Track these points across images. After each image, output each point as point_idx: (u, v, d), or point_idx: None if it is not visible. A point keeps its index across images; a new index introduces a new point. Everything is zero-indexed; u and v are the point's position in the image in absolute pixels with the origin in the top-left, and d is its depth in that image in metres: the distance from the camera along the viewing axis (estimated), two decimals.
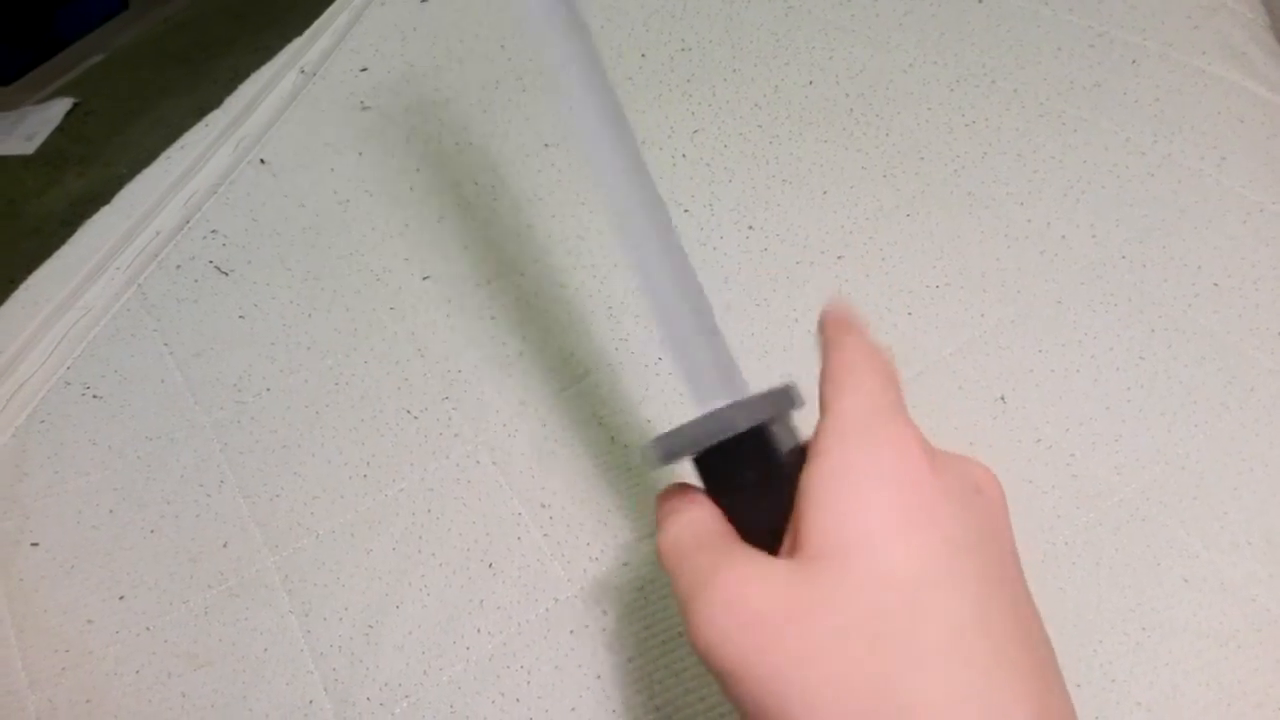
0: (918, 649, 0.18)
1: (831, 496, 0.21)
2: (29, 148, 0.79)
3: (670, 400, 0.47)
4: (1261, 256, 0.49)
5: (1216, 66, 0.57)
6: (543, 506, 0.44)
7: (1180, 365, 0.45)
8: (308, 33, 0.70)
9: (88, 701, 0.41)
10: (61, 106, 0.82)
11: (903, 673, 0.18)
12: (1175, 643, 0.38)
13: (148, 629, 0.43)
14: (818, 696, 0.18)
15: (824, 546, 0.20)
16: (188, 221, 0.58)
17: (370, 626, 0.42)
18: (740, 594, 0.21)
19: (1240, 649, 0.38)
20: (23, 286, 0.56)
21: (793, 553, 0.21)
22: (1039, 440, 0.44)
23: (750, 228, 0.54)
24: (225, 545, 0.45)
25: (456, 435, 0.47)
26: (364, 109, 0.63)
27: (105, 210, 0.59)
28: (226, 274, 0.55)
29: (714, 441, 0.25)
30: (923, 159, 0.55)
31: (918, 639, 0.18)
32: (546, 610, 0.41)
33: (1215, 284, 0.48)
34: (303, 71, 0.66)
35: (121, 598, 0.44)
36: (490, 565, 0.43)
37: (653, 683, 0.39)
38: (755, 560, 0.22)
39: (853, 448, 0.21)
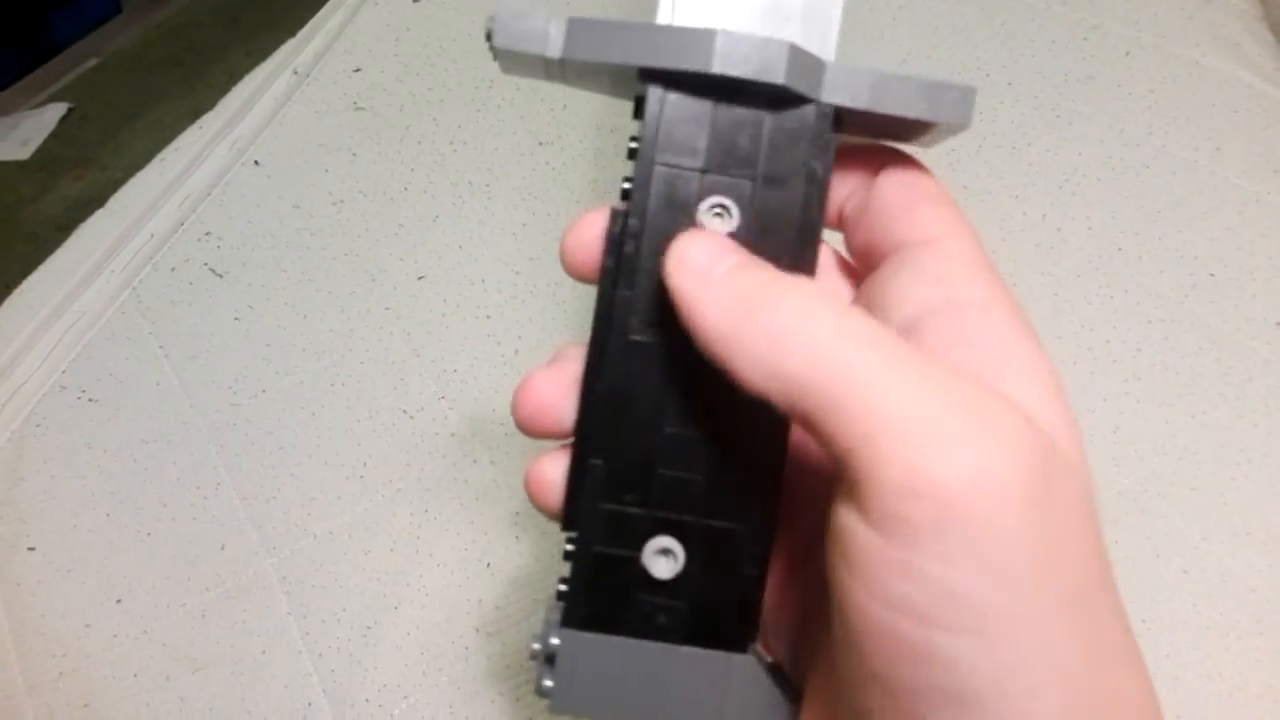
0: None
1: None
2: (24, 153, 0.79)
3: None
4: (1258, 247, 0.48)
5: (1210, 57, 0.57)
6: None
7: (1177, 356, 0.45)
8: (301, 34, 0.69)
9: (85, 706, 0.41)
10: (56, 112, 0.82)
11: None
12: (1176, 634, 0.38)
13: (145, 632, 0.42)
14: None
15: None
16: (182, 224, 0.58)
17: (369, 627, 0.42)
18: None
19: (1240, 640, 0.38)
20: (17, 291, 0.56)
21: None
22: None
23: None
24: (222, 547, 0.45)
25: (453, 435, 0.47)
26: (358, 109, 0.63)
27: (99, 214, 0.59)
28: (221, 276, 0.55)
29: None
30: (916, 153, 0.55)
31: None
32: (545, 609, 0.41)
33: (1211, 275, 0.48)
34: (296, 73, 0.66)
35: (119, 601, 0.43)
36: (489, 565, 0.43)
37: None
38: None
39: None
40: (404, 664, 0.41)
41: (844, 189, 0.22)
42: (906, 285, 0.20)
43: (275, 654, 0.41)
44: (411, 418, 0.48)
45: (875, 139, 0.23)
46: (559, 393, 0.21)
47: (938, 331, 0.18)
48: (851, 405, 0.15)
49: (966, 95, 0.21)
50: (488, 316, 0.51)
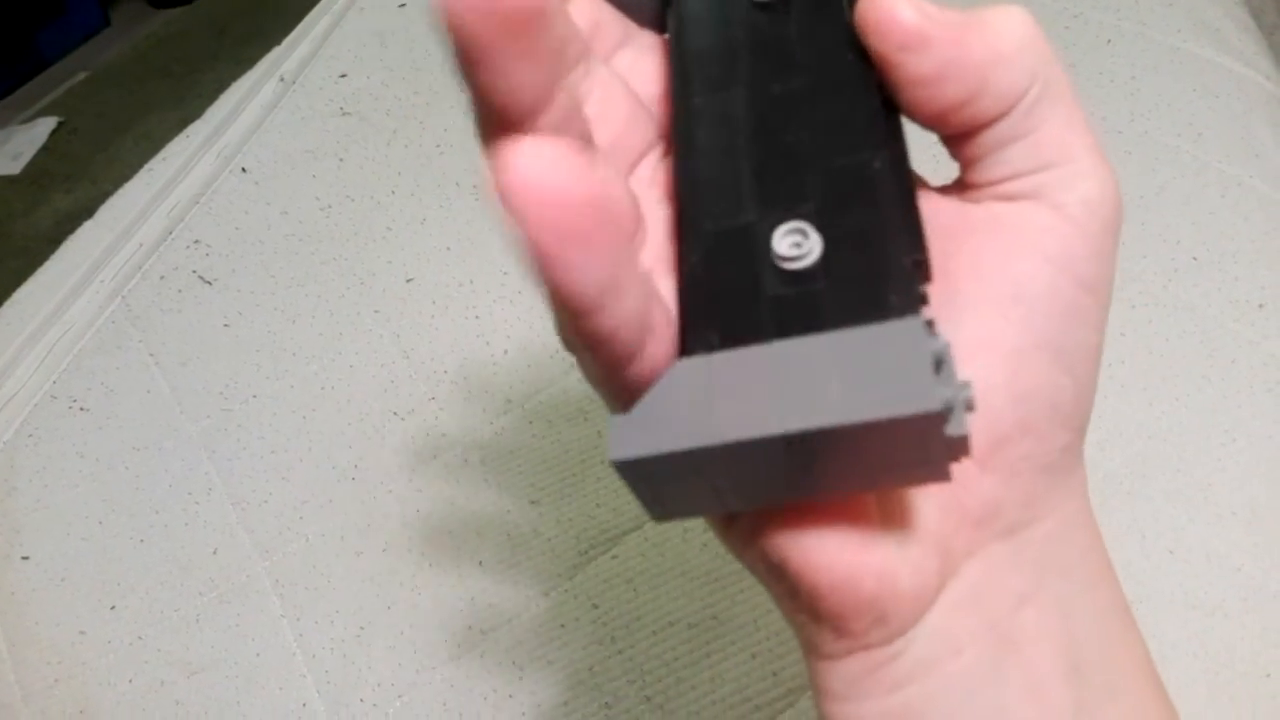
0: None
1: None
2: (15, 167, 0.79)
3: None
4: (1239, 230, 0.49)
5: (1191, 43, 0.57)
6: (531, 503, 0.44)
7: (1161, 339, 0.45)
8: (287, 40, 0.70)
9: (81, 713, 0.41)
10: (46, 126, 0.83)
11: None
12: (1162, 614, 0.38)
13: (140, 638, 0.43)
14: None
15: None
16: (170, 233, 0.58)
17: (362, 628, 0.42)
18: None
19: (1227, 618, 0.38)
20: (8, 303, 0.56)
21: None
22: None
23: None
24: (215, 552, 0.45)
25: (444, 436, 0.47)
26: (344, 114, 0.64)
27: (88, 224, 0.60)
28: (210, 283, 0.55)
29: None
30: None
31: None
32: (538, 605, 0.41)
33: (1194, 258, 0.48)
34: (282, 79, 0.66)
35: (113, 608, 0.44)
36: (480, 563, 0.43)
37: (644, 674, 0.39)
38: None
39: None
40: (398, 663, 0.41)
41: None
42: None
43: (270, 656, 0.42)
44: (402, 419, 0.48)
45: None
46: None
47: None
48: (1052, 131, 0.19)
49: None
50: (477, 317, 0.52)
